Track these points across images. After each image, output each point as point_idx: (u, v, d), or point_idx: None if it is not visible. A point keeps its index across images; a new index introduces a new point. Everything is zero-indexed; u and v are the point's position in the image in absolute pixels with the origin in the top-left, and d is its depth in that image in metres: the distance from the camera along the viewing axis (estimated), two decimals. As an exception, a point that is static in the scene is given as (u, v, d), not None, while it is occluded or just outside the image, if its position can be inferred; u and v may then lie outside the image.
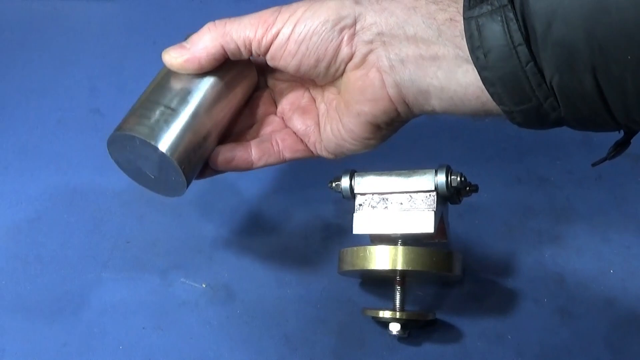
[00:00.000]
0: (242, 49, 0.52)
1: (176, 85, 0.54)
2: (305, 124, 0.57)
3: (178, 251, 0.65)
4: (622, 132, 0.48)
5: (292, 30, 0.50)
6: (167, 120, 0.52)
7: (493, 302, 0.64)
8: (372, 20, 0.50)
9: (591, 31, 0.41)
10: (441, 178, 0.56)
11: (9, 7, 0.81)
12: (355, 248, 0.58)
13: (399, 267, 0.56)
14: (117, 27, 0.80)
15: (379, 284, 0.63)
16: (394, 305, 0.60)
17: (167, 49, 0.54)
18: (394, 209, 0.57)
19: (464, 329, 0.62)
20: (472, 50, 0.46)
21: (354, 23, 0.50)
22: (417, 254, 0.56)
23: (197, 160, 0.54)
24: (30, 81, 0.75)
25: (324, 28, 0.50)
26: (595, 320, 0.63)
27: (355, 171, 0.59)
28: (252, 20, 0.52)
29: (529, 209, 0.68)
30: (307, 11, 0.50)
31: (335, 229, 0.67)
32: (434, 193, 0.56)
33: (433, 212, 0.56)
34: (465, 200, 0.59)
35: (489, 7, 0.45)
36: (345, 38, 0.50)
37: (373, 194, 0.58)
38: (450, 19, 0.48)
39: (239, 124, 0.58)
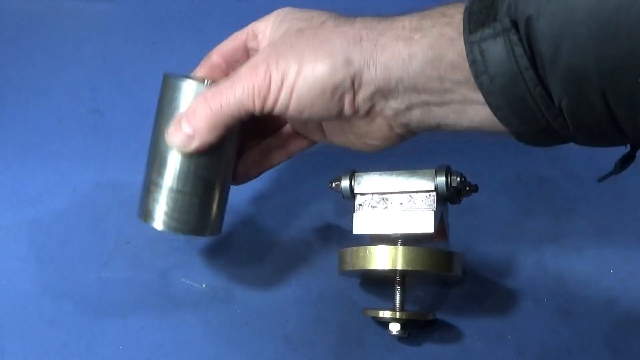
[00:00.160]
0: (244, 118, 0.52)
1: (186, 165, 0.55)
2: (313, 138, 0.59)
3: (178, 251, 0.65)
4: (628, 145, 0.48)
5: (290, 100, 0.50)
6: (193, 210, 0.55)
7: (493, 302, 0.64)
8: (368, 78, 0.49)
9: (601, 55, 0.40)
10: (441, 178, 0.56)
11: (9, 7, 0.81)
12: (355, 248, 0.58)
13: (399, 267, 0.56)
14: (117, 27, 0.80)
15: (379, 284, 0.63)
16: (394, 305, 0.60)
17: (171, 133, 0.53)
18: (394, 209, 0.57)
19: (464, 329, 0.62)
20: (477, 75, 0.45)
21: (352, 86, 0.49)
22: (417, 254, 0.56)
23: (223, 210, 0.58)
24: (30, 81, 0.75)
25: (322, 99, 0.49)
26: (595, 320, 0.63)
27: (355, 171, 0.59)
28: (245, 88, 0.50)
29: (529, 209, 0.68)
30: (299, 77, 0.49)
31: (335, 229, 0.67)
32: (434, 193, 0.56)
33: (433, 212, 0.56)
34: (465, 200, 0.59)
35: (491, 31, 0.44)
36: (346, 102, 0.50)
37: (373, 194, 0.58)
38: (452, 64, 0.46)
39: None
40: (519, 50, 0.43)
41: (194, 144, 0.52)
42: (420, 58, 0.47)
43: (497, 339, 0.62)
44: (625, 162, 0.49)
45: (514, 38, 0.43)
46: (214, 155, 0.55)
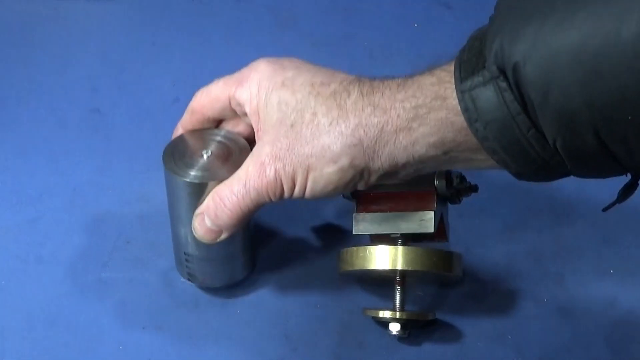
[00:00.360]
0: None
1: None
2: None
3: (178, 251, 0.65)
4: (629, 175, 0.48)
5: (304, 195, 0.52)
6: (229, 268, 0.61)
7: (493, 302, 0.64)
8: (375, 168, 0.50)
9: (589, 97, 0.41)
10: (441, 178, 0.56)
11: (9, 7, 0.81)
12: (355, 248, 0.58)
13: (399, 267, 0.56)
14: (117, 27, 0.80)
15: (379, 284, 0.63)
16: (394, 305, 0.60)
17: (198, 230, 0.55)
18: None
19: (464, 329, 0.62)
20: (470, 122, 0.45)
21: (361, 177, 0.51)
22: (417, 254, 0.56)
23: (254, 252, 0.64)
24: (30, 81, 0.75)
25: (335, 191, 0.52)
26: (595, 320, 0.63)
27: (355, 171, 0.59)
28: (259, 190, 0.52)
29: (529, 209, 0.68)
30: (309, 180, 0.51)
31: (335, 229, 0.67)
32: (434, 193, 0.56)
33: (433, 212, 0.56)
34: (465, 200, 0.59)
35: (481, 79, 0.44)
36: (359, 186, 0.52)
37: (373, 194, 0.58)
38: (455, 141, 0.47)
39: None
40: (509, 96, 0.43)
41: (223, 236, 0.55)
42: (422, 143, 0.48)
43: (497, 339, 0.62)
44: (627, 190, 0.49)
45: (503, 85, 0.43)
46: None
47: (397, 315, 0.59)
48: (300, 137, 0.50)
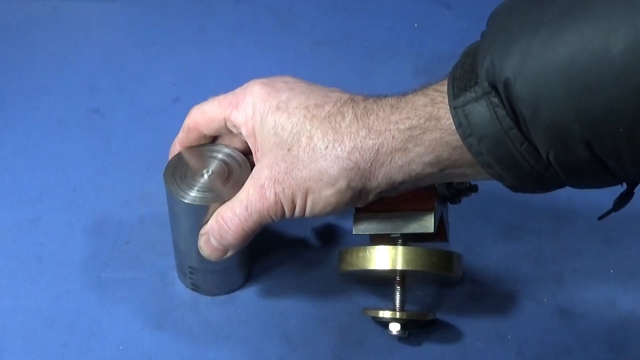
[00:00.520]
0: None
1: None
2: None
3: (178, 251, 0.65)
4: (624, 184, 0.48)
5: (304, 214, 0.53)
6: (231, 278, 0.63)
7: (493, 302, 0.64)
8: (373, 187, 0.51)
9: (579, 111, 0.41)
10: (441, 178, 0.56)
11: (9, 7, 0.81)
12: (355, 248, 0.58)
13: (399, 267, 0.56)
14: (117, 27, 0.80)
15: (379, 284, 0.63)
16: (394, 305, 0.60)
17: (204, 249, 0.56)
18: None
19: (464, 329, 0.62)
20: (464, 138, 0.46)
21: (359, 196, 0.52)
22: (417, 254, 0.56)
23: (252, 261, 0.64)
24: (30, 81, 0.75)
25: (335, 211, 0.52)
26: (595, 320, 0.63)
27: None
28: (261, 212, 0.53)
29: (529, 209, 0.68)
30: (308, 202, 0.52)
31: (335, 229, 0.67)
32: (434, 193, 0.56)
33: (433, 212, 0.56)
34: (465, 200, 0.59)
35: (473, 95, 0.45)
36: (358, 204, 0.53)
37: (373, 194, 0.58)
38: (450, 159, 0.48)
39: None
40: (500, 111, 0.44)
41: (229, 254, 0.56)
42: (418, 162, 0.49)
43: (497, 339, 0.62)
44: (623, 199, 0.50)
45: (495, 100, 0.44)
46: None
47: (397, 315, 0.59)
48: (298, 161, 0.51)
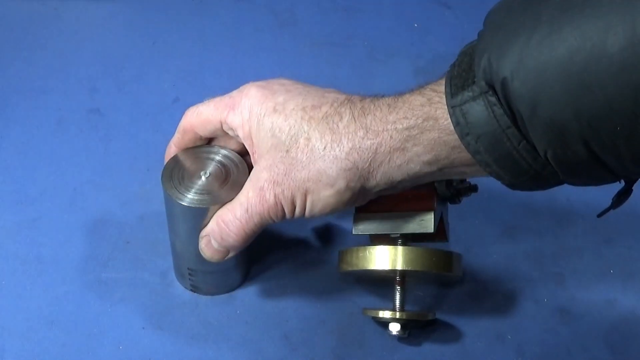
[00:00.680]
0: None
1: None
2: None
3: (178, 251, 0.65)
4: (622, 181, 0.48)
5: (304, 215, 0.53)
6: (230, 278, 0.63)
7: (493, 302, 0.64)
8: (372, 186, 0.51)
9: (577, 109, 0.41)
10: (441, 178, 0.56)
11: (9, 7, 0.81)
12: (355, 248, 0.58)
13: (399, 267, 0.56)
14: (117, 27, 0.80)
15: (379, 284, 0.63)
16: (394, 305, 0.60)
17: (205, 251, 0.56)
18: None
19: (464, 329, 0.62)
20: (462, 136, 0.46)
21: (359, 196, 0.52)
22: (417, 254, 0.56)
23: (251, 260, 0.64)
24: (30, 81, 0.75)
25: (335, 211, 0.52)
26: (595, 320, 0.63)
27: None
28: (261, 214, 0.53)
29: (529, 209, 0.68)
30: (307, 203, 0.52)
31: (335, 229, 0.67)
32: (434, 193, 0.56)
33: (433, 212, 0.56)
34: (465, 200, 0.59)
35: (471, 94, 0.45)
36: (357, 203, 0.53)
37: (373, 194, 0.58)
38: (449, 159, 0.48)
39: None
40: (498, 110, 0.44)
41: (230, 255, 0.56)
42: (416, 161, 0.49)
43: (497, 339, 0.62)
44: (622, 196, 0.50)
45: (492, 99, 0.44)
46: None
47: (397, 315, 0.59)
48: (297, 163, 0.51)
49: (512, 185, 0.48)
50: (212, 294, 0.62)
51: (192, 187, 0.55)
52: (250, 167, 0.55)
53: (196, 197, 0.55)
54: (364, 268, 0.58)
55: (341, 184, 0.50)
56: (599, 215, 0.53)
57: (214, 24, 0.82)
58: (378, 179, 0.50)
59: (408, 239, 0.58)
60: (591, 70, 0.40)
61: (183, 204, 0.54)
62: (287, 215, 0.53)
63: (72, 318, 0.61)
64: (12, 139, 0.71)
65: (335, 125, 0.50)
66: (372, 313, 0.60)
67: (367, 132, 0.49)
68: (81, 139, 0.71)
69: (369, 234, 0.59)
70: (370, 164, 0.50)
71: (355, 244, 0.59)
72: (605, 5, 0.40)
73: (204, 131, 0.57)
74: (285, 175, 0.51)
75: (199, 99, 0.58)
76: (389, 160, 0.49)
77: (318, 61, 0.80)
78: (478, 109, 0.45)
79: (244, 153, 0.57)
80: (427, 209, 0.56)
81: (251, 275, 0.64)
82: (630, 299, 0.64)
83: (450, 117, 0.46)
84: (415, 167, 0.49)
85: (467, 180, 0.58)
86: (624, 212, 0.67)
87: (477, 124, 0.45)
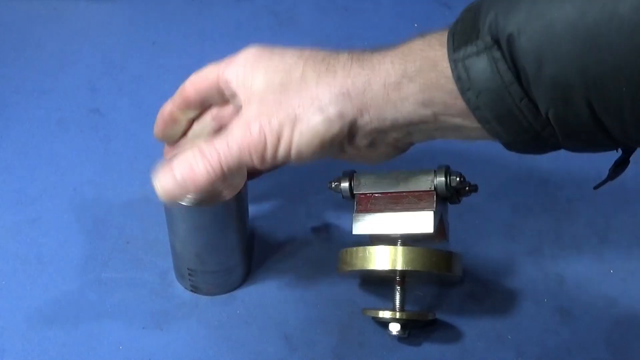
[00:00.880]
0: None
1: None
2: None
3: (178, 251, 0.65)
4: (620, 150, 0.48)
5: (289, 154, 0.50)
6: (230, 278, 0.62)
7: (493, 302, 0.64)
8: (363, 123, 0.50)
9: (584, 69, 0.41)
10: (440, 178, 0.56)
11: (9, 7, 0.81)
12: (355, 248, 0.58)
13: (399, 267, 0.56)
14: (117, 27, 0.80)
15: (379, 284, 0.63)
16: (394, 305, 0.60)
17: (160, 181, 0.51)
18: (394, 209, 0.57)
19: (464, 329, 0.62)
20: (463, 92, 0.45)
21: (349, 133, 0.50)
22: (417, 254, 0.56)
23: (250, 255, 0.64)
24: (30, 81, 0.75)
25: (322, 149, 0.50)
26: (595, 320, 0.63)
27: (355, 172, 0.59)
28: (242, 148, 0.50)
29: (529, 209, 0.68)
30: (294, 134, 0.49)
31: (335, 229, 0.67)
32: (434, 193, 0.56)
33: (433, 212, 0.56)
34: (465, 200, 0.59)
35: (474, 49, 0.44)
36: (346, 145, 0.51)
37: (373, 194, 0.58)
38: (444, 103, 0.47)
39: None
40: (502, 66, 0.44)
41: (186, 199, 0.53)
42: (411, 100, 0.48)
43: (497, 339, 0.62)
44: (618, 167, 0.50)
45: (497, 55, 0.44)
46: (230, 233, 0.59)
47: (397, 315, 0.59)
48: (289, 91, 0.50)
49: (509, 145, 0.47)
50: (212, 294, 0.62)
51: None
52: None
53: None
54: (364, 268, 0.58)
55: (332, 110, 0.49)
56: (596, 188, 0.52)
57: (214, 24, 0.81)
58: (371, 114, 0.49)
59: (408, 239, 0.58)
60: (600, 30, 0.40)
61: (182, 203, 0.54)
62: (269, 152, 0.50)
63: (72, 318, 0.61)
64: (12, 139, 0.71)
65: (331, 66, 0.50)
66: (372, 313, 0.60)
67: (363, 67, 0.49)
68: (81, 139, 0.71)
69: (369, 234, 0.59)
70: (363, 93, 0.49)
71: (355, 244, 0.59)
72: None
73: (200, 87, 0.55)
74: (274, 104, 0.50)
75: (198, 99, 0.58)
76: (383, 95, 0.48)
77: (318, 61, 0.79)
78: (481, 65, 0.44)
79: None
80: (427, 209, 0.56)
81: (251, 275, 0.64)
82: (630, 299, 0.64)
83: (452, 72, 0.45)
84: (409, 106, 0.48)
85: (467, 180, 0.58)
86: (624, 212, 0.68)
87: (480, 79, 0.44)
